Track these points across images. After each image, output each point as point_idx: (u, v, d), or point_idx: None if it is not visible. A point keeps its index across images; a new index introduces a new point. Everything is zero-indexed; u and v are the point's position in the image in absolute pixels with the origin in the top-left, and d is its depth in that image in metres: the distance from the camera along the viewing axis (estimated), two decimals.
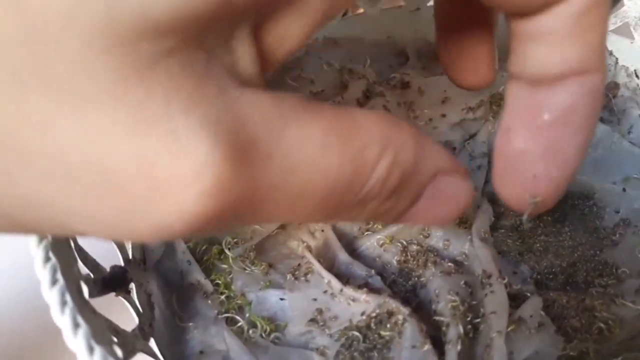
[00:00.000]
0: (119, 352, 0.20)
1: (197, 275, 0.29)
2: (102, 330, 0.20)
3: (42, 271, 0.18)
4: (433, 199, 0.18)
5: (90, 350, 0.17)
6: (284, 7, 0.14)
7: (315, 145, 0.15)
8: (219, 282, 0.29)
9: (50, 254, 0.19)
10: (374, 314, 0.25)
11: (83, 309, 0.19)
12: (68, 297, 0.18)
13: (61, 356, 0.24)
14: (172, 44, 0.12)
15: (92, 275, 0.23)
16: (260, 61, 0.15)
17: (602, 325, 0.27)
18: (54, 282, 0.18)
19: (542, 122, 0.18)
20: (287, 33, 0.15)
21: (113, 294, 0.24)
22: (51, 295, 0.18)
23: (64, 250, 0.21)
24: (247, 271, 0.29)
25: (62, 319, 0.17)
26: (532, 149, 0.18)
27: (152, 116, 0.12)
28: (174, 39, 0.12)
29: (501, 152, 0.20)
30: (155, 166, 0.12)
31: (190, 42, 0.12)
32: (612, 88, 0.38)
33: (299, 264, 0.29)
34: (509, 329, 0.25)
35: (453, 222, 0.23)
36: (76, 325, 0.17)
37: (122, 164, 0.12)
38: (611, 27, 0.38)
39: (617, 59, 0.38)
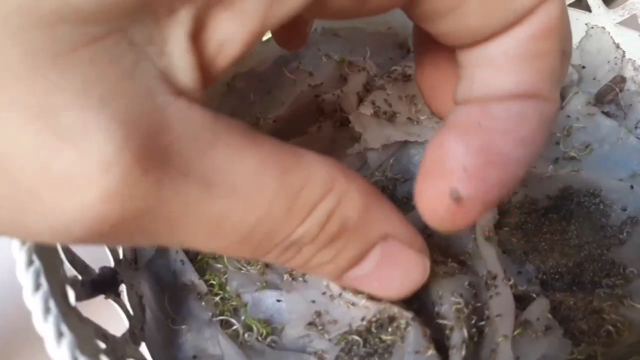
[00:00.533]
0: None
1: (191, 275, 0.28)
2: (88, 339, 0.18)
3: (24, 275, 0.17)
4: (383, 266, 0.18)
5: None
6: (220, 8, 0.13)
7: (245, 173, 0.14)
8: (214, 282, 0.28)
9: (34, 257, 0.18)
10: (374, 319, 0.24)
11: (68, 315, 0.18)
12: (52, 304, 0.17)
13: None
14: (95, 32, 0.11)
15: (80, 277, 0.22)
16: (199, 72, 0.14)
17: (610, 327, 0.26)
18: (37, 287, 0.17)
19: (481, 125, 0.17)
20: (227, 39, 0.14)
21: (102, 296, 0.23)
22: (34, 302, 0.17)
23: (49, 252, 0.19)
24: (242, 271, 0.28)
25: (45, 326, 0.16)
26: (466, 144, 0.17)
27: (61, 105, 0.11)
28: (97, 27, 0.11)
29: (430, 150, 0.18)
30: (56, 160, 0.11)
31: (116, 33, 0.11)
32: (618, 82, 0.37)
33: None
34: (515, 332, 0.24)
35: (406, 296, 0.20)
36: (60, 334, 0.16)
37: (20, 155, 0.11)
38: (618, 19, 0.37)
39: (624, 52, 0.37)
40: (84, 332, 0.19)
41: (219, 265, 0.29)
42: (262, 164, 0.14)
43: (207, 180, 0.14)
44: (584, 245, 0.30)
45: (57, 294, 0.18)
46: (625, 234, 0.31)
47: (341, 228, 0.16)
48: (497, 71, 0.17)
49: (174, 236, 0.14)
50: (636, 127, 0.35)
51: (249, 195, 0.14)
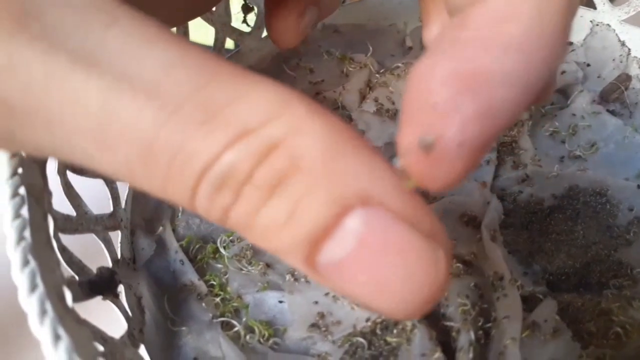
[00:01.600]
0: None
1: (191, 275, 0.27)
2: (86, 342, 0.18)
3: (19, 276, 0.17)
4: (367, 250, 0.12)
5: None
6: None
7: (147, 66, 0.12)
8: (214, 283, 0.27)
9: (29, 257, 0.17)
10: (379, 320, 0.24)
11: (65, 318, 0.17)
12: (48, 306, 0.16)
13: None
14: None
15: (77, 278, 0.22)
16: None
17: (619, 329, 0.25)
18: (32, 288, 0.17)
19: (455, 42, 0.13)
20: None
21: (100, 297, 0.23)
22: (29, 304, 0.16)
23: (45, 252, 0.19)
24: (243, 271, 0.27)
25: (42, 330, 0.16)
26: (435, 73, 0.13)
27: None
28: None
29: (405, 93, 0.14)
30: None
31: None
32: (624, 80, 0.36)
33: None
34: (523, 335, 0.24)
35: (411, 313, 0.13)
36: (57, 338, 0.16)
37: None
38: (624, 16, 0.37)
39: (629, 49, 0.37)
40: (81, 334, 0.18)
41: (220, 266, 0.28)
42: (174, 61, 0.12)
43: (89, 61, 0.12)
44: (590, 246, 0.30)
45: (54, 295, 0.17)
46: (632, 234, 0.30)
47: (292, 168, 0.12)
48: None
49: (53, 135, 0.12)
50: None
51: (148, 90, 0.12)
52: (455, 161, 0.13)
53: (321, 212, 0.12)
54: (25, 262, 0.17)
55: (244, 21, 0.38)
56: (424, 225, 0.12)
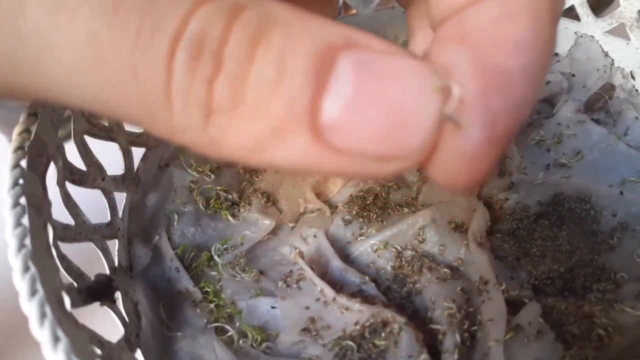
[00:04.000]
0: None
1: (186, 283, 0.28)
2: (83, 344, 0.19)
3: (20, 282, 0.18)
4: (367, 86, 0.12)
5: None
6: None
7: None
8: (208, 290, 0.28)
9: (30, 264, 0.18)
10: (367, 323, 0.25)
11: (64, 321, 0.18)
12: (48, 309, 0.17)
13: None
14: None
15: (75, 285, 0.23)
16: None
17: (601, 332, 0.26)
18: (33, 293, 0.17)
19: (463, 41, 0.13)
20: None
21: (98, 303, 0.24)
22: (30, 307, 0.17)
23: (44, 259, 0.20)
24: (237, 278, 0.28)
25: (41, 332, 0.17)
26: (460, 63, 0.13)
27: None
28: None
29: None
30: None
31: None
32: (607, 90, 0.37)
33: (291, 271, 0.29)
34: (507, 337, 0.24)
35: (429, 142, 0.12)
36: (56, 339, 0.16)
37: None
38: (607, 27, 0.38)
39: (612, 60, 0.38)
40: (79, 337, 0.19)
41: (214, 273, 0.29)
42: None
43: None
44: (575, 251, 0.30)
45: (53, 300, 0.18)
46: (615, 240, 0.31)
47: (268, 23, 0.12)
48: None
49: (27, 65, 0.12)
50: (625, 134, 0.36)
51: None
52: (486, 157, 0.13)
53: (310, 58, 0.11)
54: (26, 269, 0.18)
55: None
56: (410, 54, 0.12)
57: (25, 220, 0.19)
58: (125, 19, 0.11)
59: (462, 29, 0.13)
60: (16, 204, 0.19)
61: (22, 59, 0.12)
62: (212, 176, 0.32)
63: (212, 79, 0.11)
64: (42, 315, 0.17)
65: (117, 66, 0.12)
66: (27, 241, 0.19)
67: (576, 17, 0.39)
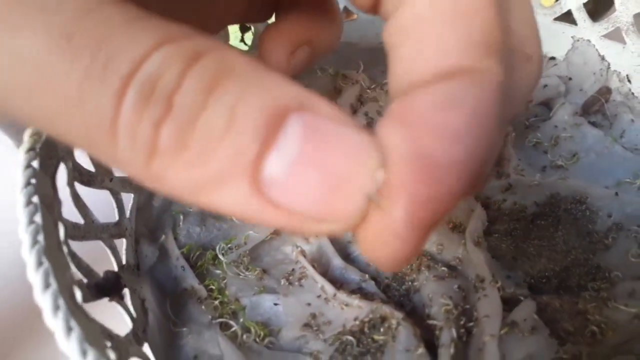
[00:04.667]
0: (112, 355, 0.20)
1: (191, 280, 0.29)
2: (95, 334, 0.19)
3: (34, 275, 0.18)
4: (313, 147, 0.12)
5: (84, 353, 0.17)
6: None
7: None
8: (213, 287, 0.29)
9: (43, 259, 0.19)
10: (367, 319, 0.25)
11: (76, 312, 0.19)
12: (61, 301, 0.18)
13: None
14: None
15: (85, 281, 0.23)
16: None
17: (595, 328, 0.27)
18: (46, 286, 0.18)
19: (403, 125, 0.13)
20: None
21: (107, 299, 0.24)
22: (44, 299, 0.18)
23: (56, 255, 0.21)
24: (241, 276, 0.29)
25: (55, 322, 0.17)
26: (395, 148, 0.13)
27: None
28: None
29: None
30: None
31: None
32: (604, 93, 0.38)
33: (293, 269, 0.29)
34: (502, 332, 0.25)
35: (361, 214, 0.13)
36: (69, 329, 0.17)
37: None
38: (603, 32, 0.38)
39: (609, 63, 0.38)
40: (91, 327, 0.20)
41: (218, 271, 0.30)
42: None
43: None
44: (570, 251, 0.31)
45: (65, 292, 0.19)
46: (610, 240, 0.32)
47: (224, 73, 0.12)
48: (417, 44, 0.14)
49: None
50: (621, 137, 0.37)
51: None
52: (408, 239, 0.13)
53: (262, 113, 0.12)
54: (40, 263, 0.19)
55: (242, 40, 0.40)
56: (358, 126, 0.13)
57: (37, 218, 0.20)
58: (77, 49, 0.11)
59: (408, 109, 0.13)
60: (29, 202, 0.20)
61: None
62: None
63: (160, 122, 0.12)
64: (56, 307, 0.18)
65: (63, 93, 0.12)
66: (40, 237, 0.20)
67: (573, 22, 0.40)
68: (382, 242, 0.13)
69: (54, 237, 0.22)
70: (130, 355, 0.22)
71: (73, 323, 0.17)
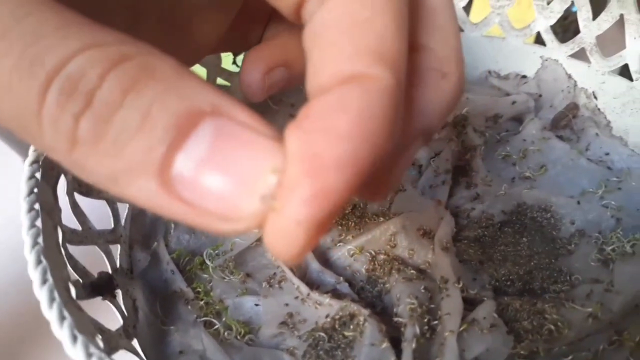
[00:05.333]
0: (101, 344, 0.22)
1: (180, 283, 0.31)
2: (86, 324, 0.22)
3: (33, 272, 0.21)
4: (222, 149, 0.13)
5: (74, 339, 0.19)
6: None
7: None
8: (200, 290, 0.31)
9: (42, 258, 0.21)
10: (337, 316, 0.28)
11: (69, 305, 0.21)
12: (56, 295, 0.21)
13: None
14: None
15: (81, 281, 0.26)
16: None
17: (551, 326, 0.29)
18: (44, 281, 0.21)
19: (299, 128, 0.14)
20: None
21: (100, 298, 0.27)
22: (41, 293, 0.20)
23: (54, 255, 0.23)
24: (225, 280, 0.32)
25: (50, 313, 0.20)
26: (289, 149, 0.14)
27: None
28: None
29: None
30: None
31: None
32: (572, 108, 0.40)
33: (275, 273, 0.32)
34: (462, 328, 0.27)
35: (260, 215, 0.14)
36: (62, 318, 0.20)
37: None
38: (570, 52, 0.41)
39: (575, 81, 0.41)
40: (82, 318, 0.22)
41: (205, 276, 0.32)
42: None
43: None
44: (534, 255, 0.33)
45: (61, 288, 0.22)
46: (573, 246, 0.34)
47: (145, 75, 0.13)
48: (322, 50, 0.15)
49: None
50: (587, 149, 0.39)
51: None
52: (294, 237, 0.13)
53: (174, 115, 0.13)
54: (39, 262, 0.21)
55: (234, 62, 0.43)
56: (267, 132, 0.14)
57: (38, 223, 0.23)
58: (11, 43, 0.13)
59: (305, 114, 0.14)
60: (31, 209, 0.23)
61: None
62: None
63: (79, 115, 0.13)
64: (51, 299, 0.20)
65: None
66: (40, 239, 0.22)
67: (542, 42, 0.42)
68: (279, 239, 0.14)
69: (53, 240, 0.24)
70: (120, 347, 0.25)
71: (66, 313, 0.20)
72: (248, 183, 0.13)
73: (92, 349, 0.19)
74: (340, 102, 0.14)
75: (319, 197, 0.13)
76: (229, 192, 0.13)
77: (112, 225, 0.32)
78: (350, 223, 0.34)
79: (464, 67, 0.18)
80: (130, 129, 0.13)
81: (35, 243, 0.22)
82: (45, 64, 0.12)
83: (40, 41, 0.13)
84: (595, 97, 0.41)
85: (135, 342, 0.27)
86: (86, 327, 0.22)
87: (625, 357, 0.28)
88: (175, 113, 0.13)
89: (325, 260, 0.33)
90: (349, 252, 0.33)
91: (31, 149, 0.25)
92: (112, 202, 0.32)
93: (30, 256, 0.21)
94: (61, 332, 0.20)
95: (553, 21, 0.41)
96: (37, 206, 0.23)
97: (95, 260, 0.29)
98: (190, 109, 0.13)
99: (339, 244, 0.34)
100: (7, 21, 0.13)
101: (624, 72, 0.39)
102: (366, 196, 0.20)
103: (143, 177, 0.13)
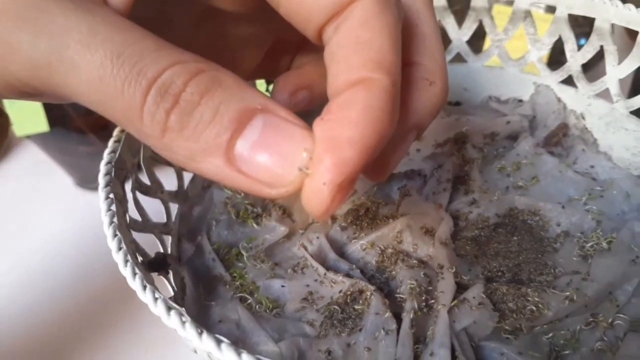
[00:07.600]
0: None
1: (220, 269, 0.37)
2: (150, 279, 0.28)
3: (111, 243, 0.28)
4: (267, 134, 0.18)
5: (155, 300, 0.25)
6: None
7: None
8: (236, 274, 0.37)
9: (117, 232, 0.28)
10: (348, 292, 0.33)
11: (136, 264, 0.27)
12: (129, 257, 0.27)
13: None
14: None
15: (140, 259, 0.32)
16: None
17: (533, 307, 0.34)
18: (119, 248, 0.27)
19: (322, 119, 0.19)
20: None
21: (156, 274, 0.33)
22: (126, 271, 0.26)
23: (124, 233, 0.30)
24: (257, 267, 0.38)
25: (125, 270, 0.26)
26: (316, 134, 0.19)
27: None
28: None
29: None
30: None
31: None
32: (562, 128, 0.46)
33: (298, 262, 0.38)
34: (453, 304, 0.33)
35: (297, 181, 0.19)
36: (134, 274, 0.26)
37: None
38: (559, 78, 0.47)
39: (565, 104, 0.46)
40: (147, 275, 0.28)
41: (241, 264, 0.38)
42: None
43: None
44: (522, 252, 0.38)
45: (131, 254, 0.28)
46: (558, 244, 0.39)
47: (215, 84, 0.18)
48: (337, 63, 0.19)
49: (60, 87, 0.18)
50: (574, 163, 0.44)
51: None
52: (323, 195, 0.18)
53: (235, 111, 0.17)
54: (115, 234, 0.28)
55: (267, 89, 0.50)
56: (300, 123, 0.19)
57: (113, 207, 0.29)
58: (123, 61, 0.17)
59: (327, 110, 0.19)
60: (107, 197, 0.30)
61: (60, 72, 0.18)
62: (242, 194, 0.42)
63: (170, 110, 0.17)
64: (126, 261, 0.27)
65: (113, 87, 0.17)
66: (115, 220, 0.29)
67: (536, 71, 0.48)
68: (312, 197, 0.18)
69: (124, 222, 0.31)
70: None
71: (147, 283, 0.25)
72: (288, 159, 0.18)
73: (171, 305, 0.25)
74: (351, 99, 0.18)
75: (338, 166, 0.18)
76: (275, 166, 0.18)
77: (165, 220, 0.38)
78: (363, 223, 0.40)
79: (447, 77, 0.24)
80: (205, 121, 0.17)
81: (111, 222, 0.29)
82: (147, 75, 0.17)
83: (143, 60, 0.18)
84: (584, 118, 0.46)
85: (183, 311, 0.33)
86: (150, 282, 0.28)
87: (599, 336, 0.33)
88: (236, 110, 0.18)
89: (341, 253, 0.39)
90: (361, 247, 0.38)
91: (106, 152, 0.32)
92: (165, 201, 0.39)
93: (108, 231, 0.28)
94: (133, 284, 0.26)
95: (544, 52, 0.47)
96: (112, 195, 0.30)
97: (149, 247, 0.35)
98: (246, 107, 0.18)
99: (353, 240, 0.39)
100: (119, 47, 0.18)
101: (607, 95, 0.44)
102: (371, 175, 0.26)
103: (213, 156, 0.18)
